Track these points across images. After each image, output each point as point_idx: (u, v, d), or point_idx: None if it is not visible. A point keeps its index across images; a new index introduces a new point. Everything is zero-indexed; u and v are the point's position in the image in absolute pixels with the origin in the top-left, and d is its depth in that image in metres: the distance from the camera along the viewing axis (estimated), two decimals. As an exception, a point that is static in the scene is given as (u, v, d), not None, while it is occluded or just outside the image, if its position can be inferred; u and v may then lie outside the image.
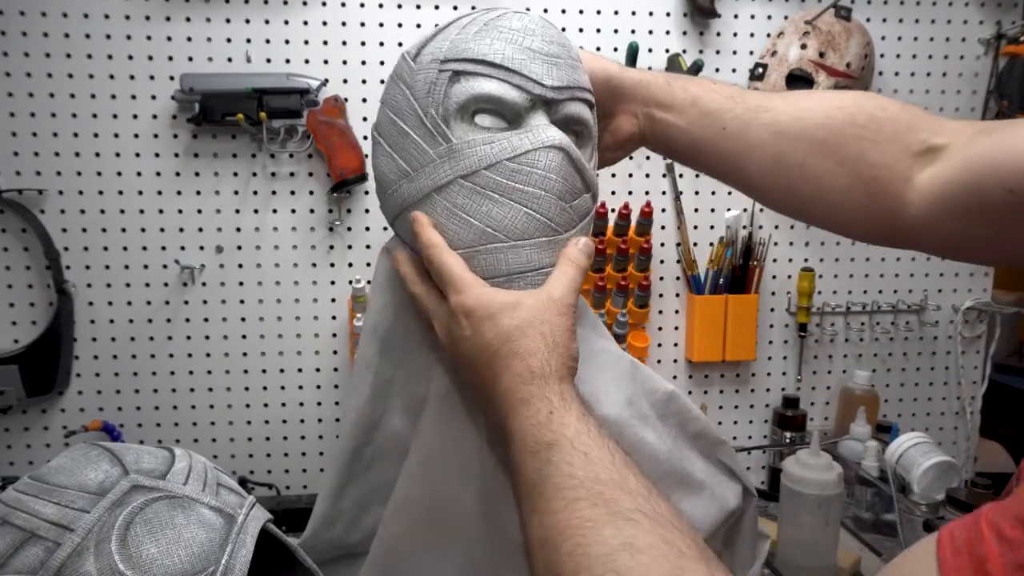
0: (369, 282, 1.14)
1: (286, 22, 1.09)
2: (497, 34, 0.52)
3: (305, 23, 1.10)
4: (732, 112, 0.58)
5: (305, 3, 1.09)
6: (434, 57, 0.53)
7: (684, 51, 1.17)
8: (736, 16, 1.19)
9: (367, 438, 0.61)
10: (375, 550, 0.59)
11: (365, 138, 1.12)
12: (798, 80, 1.14)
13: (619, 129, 0.62)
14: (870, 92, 0.56)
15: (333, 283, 1.16)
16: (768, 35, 1.19)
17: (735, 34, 1.19)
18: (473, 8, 1.10)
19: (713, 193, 1.22)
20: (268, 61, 1.10)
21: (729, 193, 1.22)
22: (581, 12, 1.15)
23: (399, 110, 0.54)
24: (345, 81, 1.12)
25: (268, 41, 1.09)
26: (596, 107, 0.58)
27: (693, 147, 0.60)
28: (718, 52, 1.19)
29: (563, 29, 1.14)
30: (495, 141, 0.51)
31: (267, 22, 1.09)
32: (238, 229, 1.13)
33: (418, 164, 0.53)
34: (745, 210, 1.22)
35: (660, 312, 1.24)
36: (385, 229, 1.15)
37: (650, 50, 1.17)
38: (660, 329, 1.25)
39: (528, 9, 1.12)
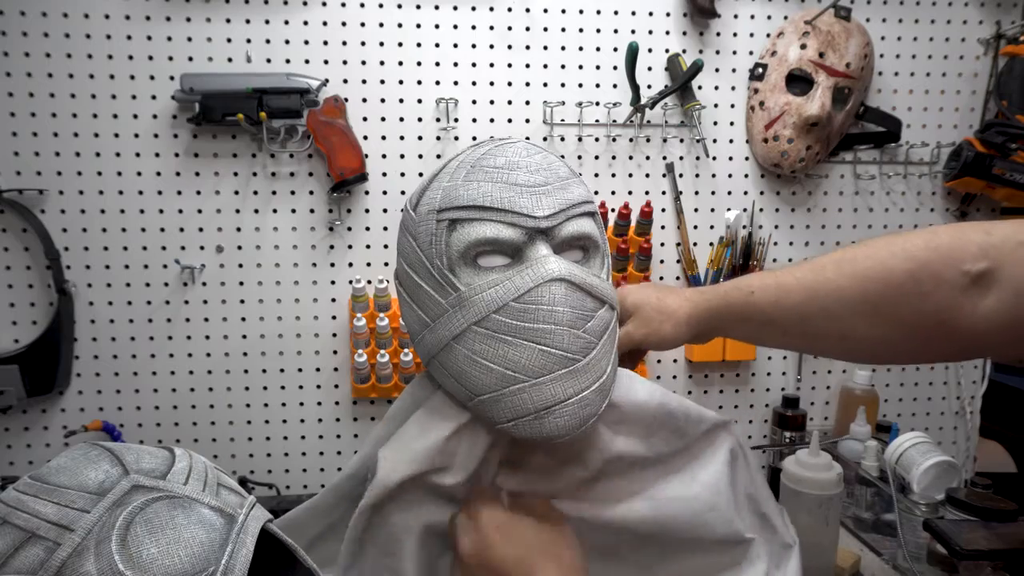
0: (369, 281, 1.14)
1: (286, 22, 1.09)
2: (483, 175, 0.53)
3: (305, 23, 1.10)
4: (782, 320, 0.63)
5: (305, 3, 1.09)
6: (430, 208, 0.54)
7: (684, 51, 1.18)
8: (736, 16, 1.19)
9: None
10: None
11: (365, 138, 1.12)
12: (798, 80, 1.14)
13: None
14: (892, 239, 0.56)
15: (333, 283, 1.16)
16: (768, 35, 1.19)
17: (735, 34, 1.19)
18: (473, 9, 1.11)
19: (713, 193, 1.22)
20: (268, 61, 1.10)
21: (729, 193, 1.22)
22: (581, 12, 1.15)
23: (411, 262, 0.56)
24: (345, 81, 1.12)
25: (268, 41, 1.09)
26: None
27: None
28: (718, 52, 1.19)
29: (563, 30, 1.15)
30: (499, 284, 0.52)
31: (267, 22, 1.09)
32: (238, 229, 1.13)
33: (434, 315, 0.54)
34: (745, 210, 1.22)
35: (660, 312, 1.24)
36: (386, 229, 1.15)
37: (650, 50, 1.17)
38: (660, 329, 1.25)
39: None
